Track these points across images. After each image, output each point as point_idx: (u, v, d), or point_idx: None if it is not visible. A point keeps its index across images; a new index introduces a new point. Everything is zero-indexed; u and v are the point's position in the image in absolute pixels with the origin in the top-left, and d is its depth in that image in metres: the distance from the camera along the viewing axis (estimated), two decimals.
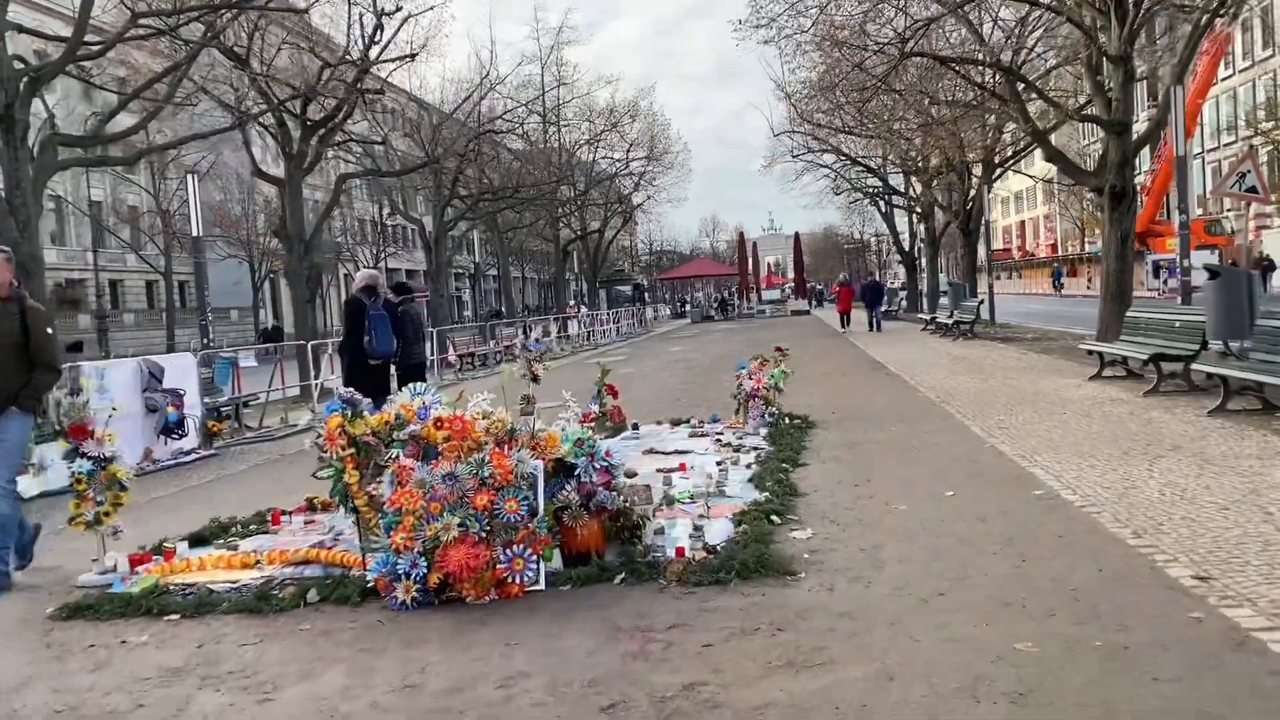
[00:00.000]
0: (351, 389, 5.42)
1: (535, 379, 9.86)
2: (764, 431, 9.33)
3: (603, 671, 3.74)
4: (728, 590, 4.63)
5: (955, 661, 3.58)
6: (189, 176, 16.37)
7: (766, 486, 6.67)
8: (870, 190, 43.81)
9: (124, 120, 18.11)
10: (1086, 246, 65.83)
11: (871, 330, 28.40)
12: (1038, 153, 34.52)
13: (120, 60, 27.61)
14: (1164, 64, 25.14)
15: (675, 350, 26.84)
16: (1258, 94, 47.44)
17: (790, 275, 71.90)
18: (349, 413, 5.02)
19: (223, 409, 13.29)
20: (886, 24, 18.85)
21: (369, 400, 6.94)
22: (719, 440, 9.14)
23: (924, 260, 40.34)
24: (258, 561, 5.70)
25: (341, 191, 24.51)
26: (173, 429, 11.20)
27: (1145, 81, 30.08)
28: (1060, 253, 75.77)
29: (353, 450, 5.03)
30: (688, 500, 6.51)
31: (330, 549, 5.77)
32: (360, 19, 20.21)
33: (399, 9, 20.29)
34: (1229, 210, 50.04)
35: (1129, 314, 13.03)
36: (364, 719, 3.52)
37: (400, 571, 4.67)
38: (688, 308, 62.58)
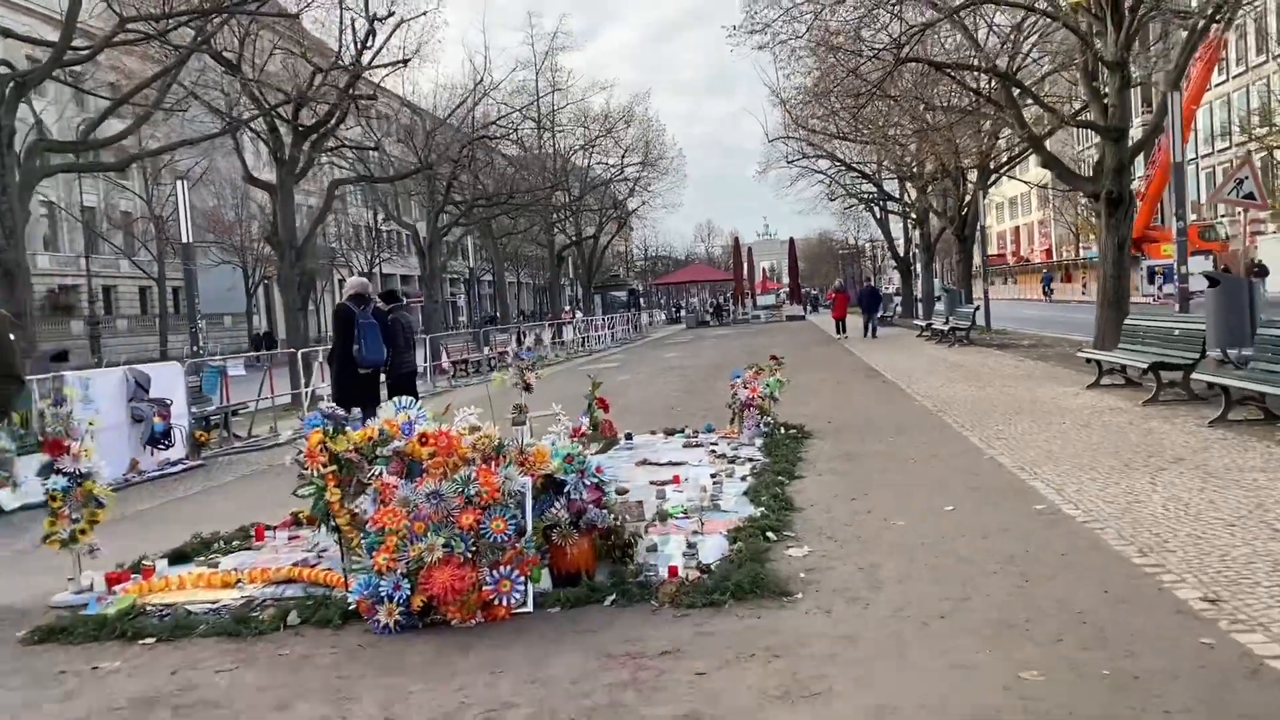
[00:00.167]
0: (333, 404, 5.26)
1: (528, 388, 9.71)
2: (759, 442, 9.18)
3: (591, 702, 3.59)
4: (722, 612, 4.48)
5: (960, 692, 3.44)
6: (179, 182, 16.21)
7: (762, 501, 6.53)
8: (865, 196, 43.79)
9: (116, 126, 17.97)
10: (1081, 252, 65.88)
11: (867, 336, 28.28)
12: (1032, 159, 34.52)
13: (112, 66, 27.48)
14: (1159, 70, 25.16)
15: (670, 357, 26.69)
16: (1251, 100, 47.48)
17: (785, 281, 71.84)
18: (331, 428, 4.87)
19: (211, 418, 13.11)
20: (882, 29, 18.75)
21: (359, 410, 6.83)
22: (713, 451, 8.99)
23: (919, 266, 40.26)
24: (239, 580, 5.54)
25: (334, 197, 24.35)
26: (159, 439, 11.02)
27: (1140, 88, 30.04)
28: (1055, 258, 75.82)
29: (334, 467, 4.87)
30: (681, 515, 6.35)
31: (313, 567, 5.61)
32: (353, 24, 20.08)
33: (391, 14, 20.17)
34: (1223, 216, 50.11)
35: (1127, 322, 12.92)
36: None
37: (383, 593, 4.52)
38: (683, 313, 62.43)
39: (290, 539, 6.61)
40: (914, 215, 38.57)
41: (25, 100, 14.02)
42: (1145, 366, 10.64)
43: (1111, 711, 3.21)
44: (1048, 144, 20.09)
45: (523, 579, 4.59)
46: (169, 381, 11.69)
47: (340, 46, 20.63)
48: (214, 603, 5.21)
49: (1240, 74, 49.97)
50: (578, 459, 5.06)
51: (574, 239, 50.31)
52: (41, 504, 7.28)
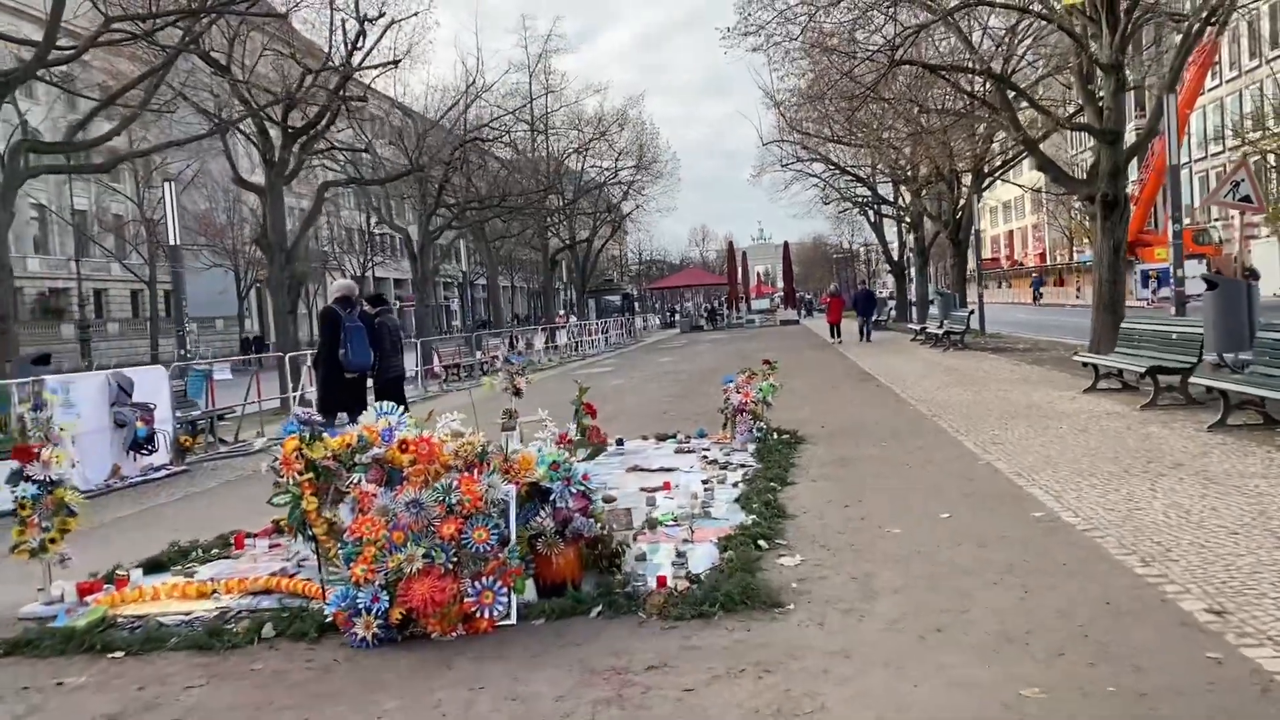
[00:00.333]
0: (310, 409, 5.10)
1: (518, 392, 9.57)
2: (752, 447, 9.04)
3: None
4: (711, 624, 4.33)
5: (958, 712, 3.29)
6: (166, 184, 16.04)
7: (754, 508, 6.38)
8: (859, 200, 43.71)
9: (105, 127, 17.77)
10: (1075, 256, 65.93)
11: (862, 340, 28.17)
12: (1026, 162, 34.48)
13: (103, 68, 27.30)
14: (1153, 74, 25.12)
15: (664, 361, 26.55)
16: (1245, 104, 47.55)
17: (779, 285, 71.79)
18: (307, 434, 4.70)
19: (198, 423, 12.93)
20: (876, 32, 18.65)
21: (345, 415, 6.67)
22: (705, 457, 8.85)
23: (913, 270, 40.19)
24: (215, 591, 5.37)
25: (324, 200, 24.17)
26: (142, 445, 10.82)
27: (1133, 93, 30.04)
28: (1049, 262, 75.88)
29: (311, 475, 4.70)
30: (671, 523, 6.21)
31: (292, 576, 5.44)
32: (343, 25, 19.92)
33: (382, 15, 19.99)
34: (1216, 220, 50.17)
35: (1124, 325, 12.81)
36: None
37: (361, 605, 4.36)
38: (677, 317, 62.31)
39: (271, 547, 6.45)
40: (908, 219, 38.50)
41: (10, 100, 13.84)
42: (1143, 370, 10.51)
43: None
44: (1042, 148, 20.00)
45: (506, 590, 4.44)
46: (153, 385, 11.50)
47: (330, 47, 20.47)
48: (188, 614, 5.04)
49: (1233, 78, 50.07)
50: (564, 466, 4.91)
51: (568, 242, 50.13)
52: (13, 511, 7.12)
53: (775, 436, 9.39)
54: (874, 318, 31.23)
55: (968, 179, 29.92)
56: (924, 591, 4.61)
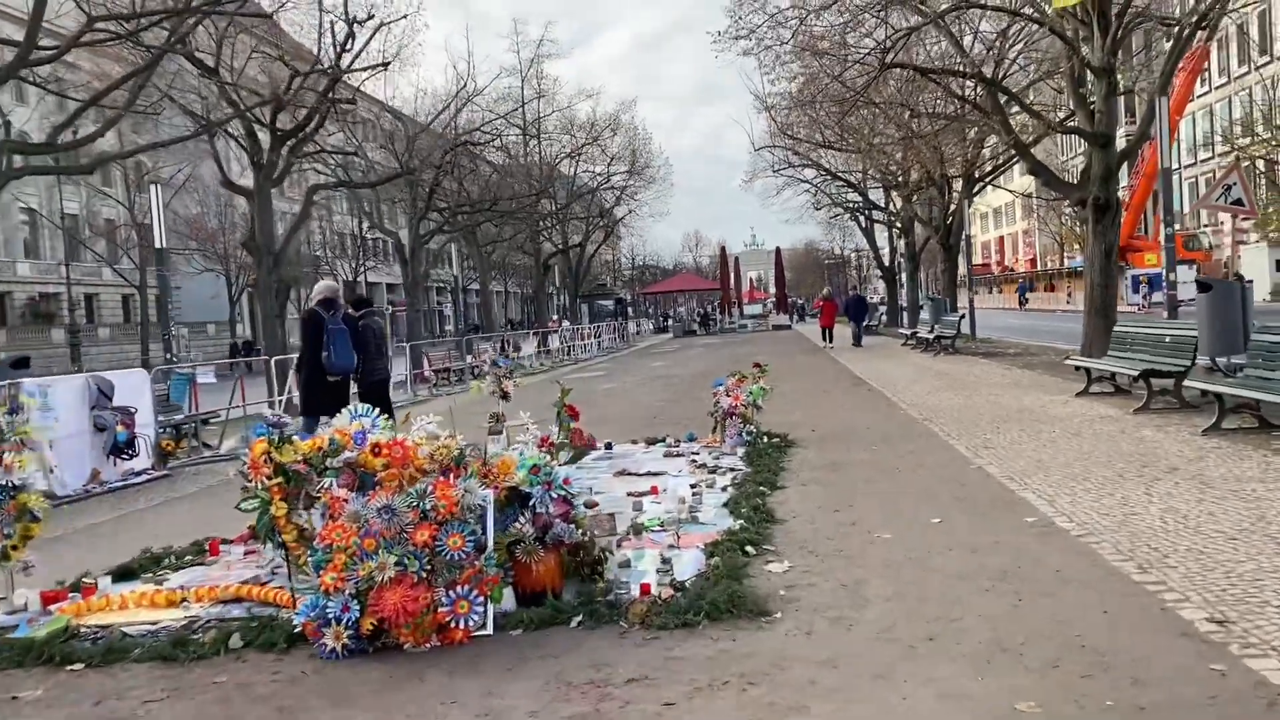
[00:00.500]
0: (280, 413, 4.94)
1: (505, 396, 9.42)
2: (741, 451, 8.90)
3: None
4: (695, 634, 4.18)
5: None
6: (153, 187, 15.85)
7: (742, 513, 6.23)
8: (850, 205, 43.69)
9: (94, 129, 17.55)
10: (1065, 261, 66.01)
11: (854, 345, 28.06)
12: (1017, 167, 34.49)
13: (93, 70, 27.08)
14: (1143, 79, 25.11)
15: (656, 365, 26.40)
16: (1234, 110, 47.68)
17: (772, 290, 71.73)
18: (276, 437, 4.54)
19: (182, 427, 12.74)
20: (867, 35, 18.57)
21: (328, 418, 6.50)
22: (694, 461, 8.70)
23: (904, 275, 40.15)
24: (184, 599, 5.20)
25: (313, 203, 23.98)
26: (122, 449, 10.62)
27: (1123, 98, 30.04)
28: (1039, 268, 75.98)
29: (280, 479, 4.54)
30: (657, 528, 6.06)
31: (265, 584, 5.28)
32: (332, 27, 19.75)
33: (371, 17, 19.85)
34: (1205, 226, 50.28)
35: (1116, 329, 12.71)
36: None
37: (330, 615, 4.19)
38: (670, 322, 62.18)
39: (246, 553, 6.27)
40: (899, 224, 38.46)
41: None
42: (1136, 374, 10.40)
43: None
44: (1033, 152, 19.93)
45: (482, 599, 4.28)
46: (134, 389, 11.30)
47: (319, 49, 20.30)
48: (154, 624, 4.87)
49: (1223, 84, 50.22)
50: (544, 470, 4.75)
51: (560, 247, 49.98)
52: None
53: (765, 440, 9.24)
54: (866, 323, 31.13)
55: (959, 184, 29.87)
56: (915, 599, 4.46)
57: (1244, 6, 25.78)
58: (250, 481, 4.55)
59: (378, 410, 5.24)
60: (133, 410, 10.86)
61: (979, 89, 18.90)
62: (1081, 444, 8.46)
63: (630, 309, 71.21)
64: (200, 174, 39.41)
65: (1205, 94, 50.50)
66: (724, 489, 7.28)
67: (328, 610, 4.20)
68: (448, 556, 4.25)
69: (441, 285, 71.09)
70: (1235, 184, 13.62)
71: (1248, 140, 39.85)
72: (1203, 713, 3.11)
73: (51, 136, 14.44)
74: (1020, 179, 56.28)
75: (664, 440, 10.02)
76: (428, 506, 4.31)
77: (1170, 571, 4.60)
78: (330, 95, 19.37)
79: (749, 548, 5.43)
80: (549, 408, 9.32)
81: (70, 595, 5.37)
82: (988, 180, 31.09)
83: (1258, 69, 43.45)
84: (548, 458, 4.97)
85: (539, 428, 6.46)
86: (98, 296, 49.92)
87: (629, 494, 7.23)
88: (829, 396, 14.31)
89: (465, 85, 30.63)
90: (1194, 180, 52.34)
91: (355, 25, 19.39)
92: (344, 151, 25.42)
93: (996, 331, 29.70)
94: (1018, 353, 20.86)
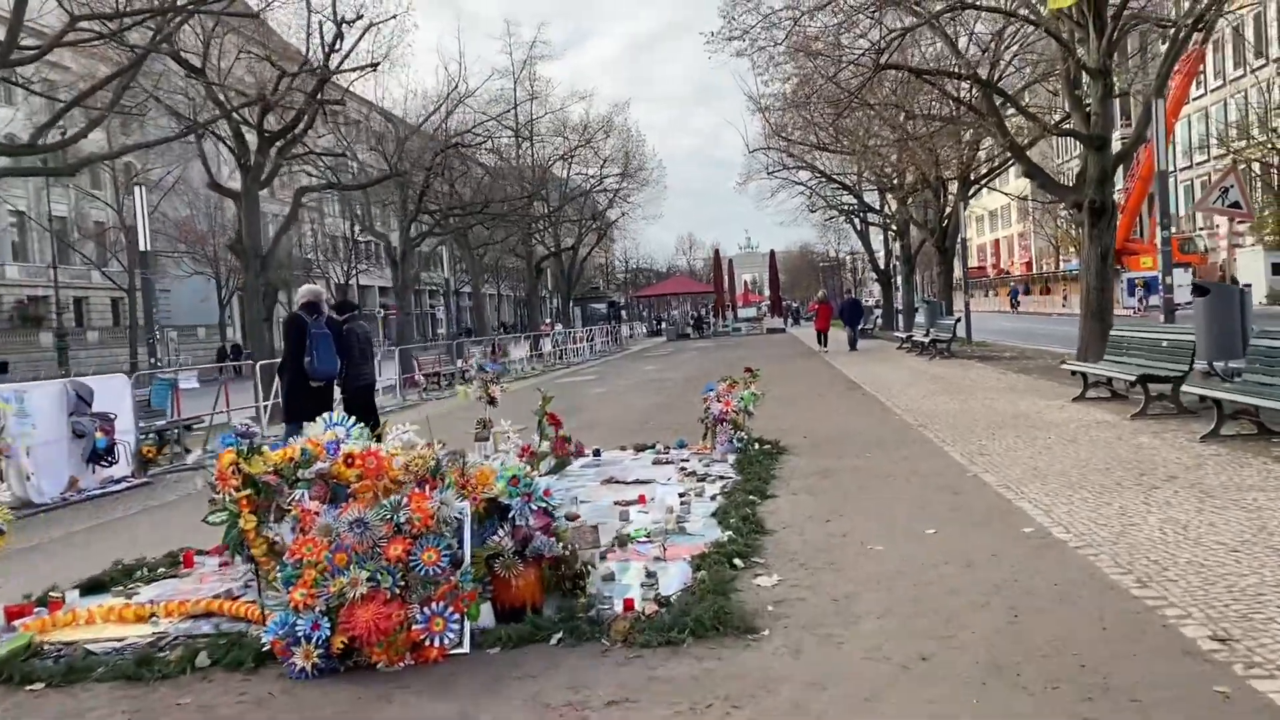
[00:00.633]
0: (250, 421, 4.76)
1: (492, 401, 9.24)
2: (732, 458, 8.74)
3: None
4: (679, 653, 4.01)
5: None
6: (137, 189, 15.67)
7: (730, 523, 6.07)
8: (846, 207, 43.56)
9: (92, 133, 17.32)
10: (1061, 264, 66.03)
11: (849, 349, 27.92)
12: (1013, 170, 34.40)
13: (80, 71, 26.86)
14: (1139, 81, 25.04)
15: (648, 369, 26.24)
16: (1230, 113, 47.70)
17: (766, 293, 71.63)
18: (245, 447, 4.37)
19: (165, 434, 12.54)
20: (861, 36, 18.44)
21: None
22: (684, 469, 8.53)
23: (899, 278, 40.04)
24: (153, 615, 5.02)
25: (301, 205, 23.77)
26: (102, 456, 10.43)
27: (1118, 100, 29.98)
28: (1035, 270, 76.00)
29: (250, 491, 4.37)
30: (644, 539, 5.90)
31: (237, 599, 5.11)
32: (320, 27, 19.55)
33: (360, 17, 19.66)
34: (1201, 229, 50.30)
35: (1113, 333, 12.57)
36: None
37: (300, 633, 4.02)
38: (664, 325, 62.03)
39: (221, 565, 6.09)
40: (894, 227, 38.35)
41: None
42: (1133, 379, 10.26)
43: None
44: (1028, 155, 19.81)
45: (458, 616, 4.11)
46: (115, 395, 11.11)
47: (307, 50, 20.11)
48: (120, 641, 4.69)
49: (1218, 87, 50.23)
50: (524, 481, 4.59)
51: (553, 250, 49.78)
52: None
53: (756, 447, 9.08)
54: (861, 326, 31.00)
55: (954, 186, 29.77)
56: (908, 615, 4.31)
57: (1240, 8, 25.73)
58: (218, 493, 4.38)
59: (353, 418, 5.08)
60: (112, 416, 10.66)
61: (974, 91, 18.77)
62: (1078, 450, 8.32)
63: (624, 312, 71.07)
64: (190, 176, 39.18)
65: (1200, 96, 50.51)
66: (713, 498, 7.13)
67: (297, 628, 4.04)
68: (422, 572, 4.08)
69: (434, 288, 70.85)
70: (1233, 187, 13.52)
71: (1243, 143, 39.84)
72: None
73: (33, 138, 14.23)
74: (1016, 181, 56.27)
75: (653, 447, 9.86)
76: (402, 519, 4.15)
77: (1171, 586, 4.45)
78: (319, 96, 19.17)
79: (737, 560, 5.27)
80: (535, 414, 9.14)
81: (36, 610, 5.19)
82: (983, 183, 31.00)
83: (1253, 71, 43.44)
84: (528, 468, 4.80)
85: (520, 436, 6.29)
86: (87, 299, 49.60)
87: (616, 503, 7.06)
88: (823, 401, 14.16)
89: (456, 86, 30.44)
90: (1189, 183, 52.34)
91: (344, 25, 19.21)
92: (333, 153, 25.20)
93: (991, 334, 29.58)
94: (1013, 356, 20.74)
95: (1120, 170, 33.46)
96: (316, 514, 4.24)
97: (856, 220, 44.69)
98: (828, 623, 4.28)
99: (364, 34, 20.44)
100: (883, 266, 43.87)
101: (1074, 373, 12.75)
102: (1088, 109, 16.03)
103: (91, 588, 5.72)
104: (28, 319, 45.69)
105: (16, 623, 5.00)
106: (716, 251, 68.15)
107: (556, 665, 3.99)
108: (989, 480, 7.25)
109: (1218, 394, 8.50)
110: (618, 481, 8.15)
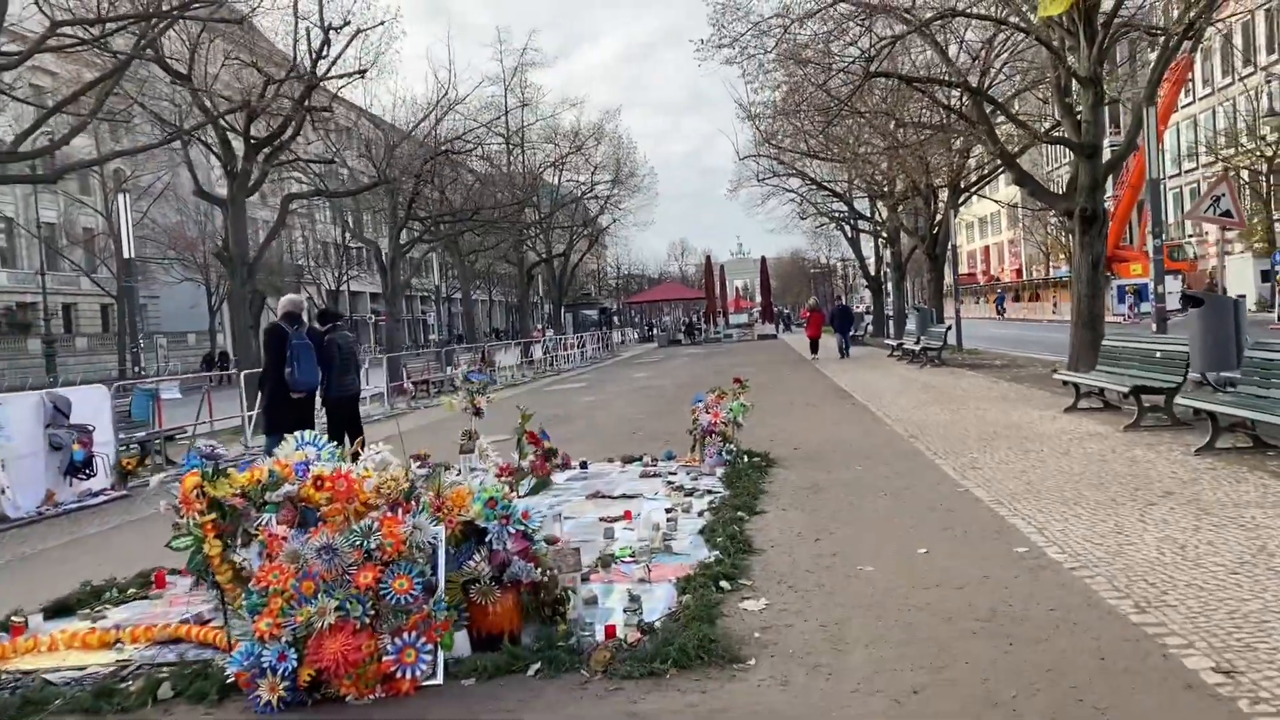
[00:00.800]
0: (215, 442, 4.60)
1: (478, 412, 9.06)
2: (720, 471, 8.59)
3: None
4: (663, 685, 3.86)
5: None
6: (121, 195, 15.47)
7: (718, 542, 5.92)
8: (836, 214, 43.54)
9: (83, 139, 17.13)
10: (1051, 271, 66.09)
11: (840, 356, 27.81)
12: (1003, 177, 34.37)
13: (66, 78, 26.63)
14: (1128, 89, 25.02)
15: (639, 377, 26.08)
16: (1219, 121, 47.85)
17: (757, 299, 71.50)
18: (210, 469, 4.20)
19: (146, 445, 12.34)
20: (851, 44, 18.35)
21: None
22: (671, 482, 8.37)
23: (890, 285, 39.99)
24: (118, 641, 4.85)
25: (289, 212, 23.58)
26: (79, 468, 10.21)
27: (1107, 109, 30.02)
28: (1025, 277, 76.07)
29: (215, 515, 4.20)
30: (629, 559, 5.74)
31: (207, 623, 4.93)
32: (308, 34, 19.39)
33: (347, 24, 19.50)
34: (1190, 236, 50.41)
35: (1105, 343, 12.47)
36: None
37: (266, 665, 3.85)
38: (655, 332, 61.89)
39: (195, 585, 5.89)
40: (885, 234, 38.31)
41: None
42: (1127, 390, 10.15)
43: None
44: (1019, 162, 19.75)
45: (430, 646, 3.95)
46: (94, 406, 10.90)
47: (294, 56, 19.93)
48: (81, 669, 4.51)
49: (1206, 95, 50.40)
50: (502, 504, 4.43)
51: (544, 256, 49.64)
52: None
53: (745, 460, 8.94)
54: (852, 333, 30.90)
55: (944, 194, 29.72)
56: (899, 643, 4.15)
57: (1230, 16, 25.75)
58: (182, 517, 4.21)
59: (337, 429, 4.92)
60: (90, 428, 10.45)
61: (965, 99, 18.69)
62: (1071, 464, 8.19)
63: (615, 318, 70.90)
64: (179, 182, 38.93)
65: (1189, 104, 50.68)
66: (700, 514, 6.98)
67: (263, 659, 3.86)
68: (393, 600, 3.92)
69: (425, 294, 70.57)
70: (1224, 195, 13.45)
71: (1232, 151, 39.93)
72: None
73: (14, 144, 14.02)
74: (1006, 189, 56.30)
75: (641, 459, 9.71)
76: (372, 545, 3.99)
77: (1170, 611, 4.31)
78: (306, 103, 19.00)
79: (724, 582, 5.11)
80: (515, 432, 8.96)
81: None
82: (973, 190, 30.97)
83: (1241, 79, 43.59)
84: (506, 489, 4.64)
85: (500, 454, 6.13)
86: (75, 306, 49.26)
87: (601, 519, 6.92)
88: (814, 410, 14.03)
89: (446, 93, 30.28)
90: (1179, 190, 52.48)
91: (331, 32, 19.05)
92: (320, 160, 25.01)
93: (981, 341, 29.52)
94: (1004, 364, 20.65)
95: (1111, 177, 33.53)
96: (284, 539, 4.07)
97: (847, 227, 44.67)
98: (816, 651, 4.13)
99: (351, 40, 20.30)
100: (873, 273, 43.84)
101: (1065, 383, 12.64)
102: (1078, 117, 15.96)
103: (57, 610, 5.53)
104: (15, 326, 45.34)
105: None
106: (708, 258, 67.97)
107: (534, 698, 3.83)
108: (981, 496, 7.12)
109: (1213, 406, 8.38)
110: (604, 496, 7.99)
